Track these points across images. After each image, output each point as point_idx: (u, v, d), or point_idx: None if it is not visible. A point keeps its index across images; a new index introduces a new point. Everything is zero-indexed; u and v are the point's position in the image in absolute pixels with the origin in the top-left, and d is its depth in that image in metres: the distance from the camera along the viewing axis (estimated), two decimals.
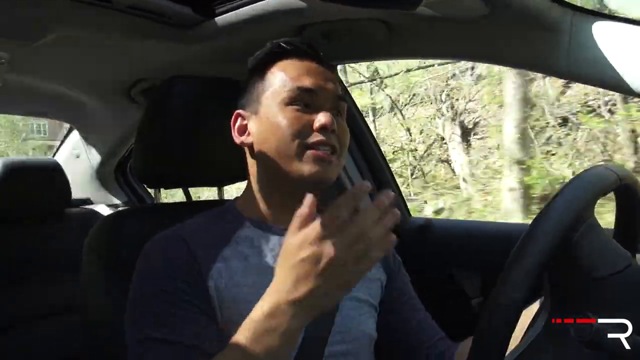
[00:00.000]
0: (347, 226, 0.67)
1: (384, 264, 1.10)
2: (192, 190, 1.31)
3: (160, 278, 0.88)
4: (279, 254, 0.74)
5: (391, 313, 1.08)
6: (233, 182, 1.26)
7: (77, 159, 2.44)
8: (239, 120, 1.03)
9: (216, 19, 1.36)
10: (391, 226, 0.69)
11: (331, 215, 0.68)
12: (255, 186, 1.03)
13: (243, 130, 1.02)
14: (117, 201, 2.53)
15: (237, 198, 1.07)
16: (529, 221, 0.78)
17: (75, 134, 2.41)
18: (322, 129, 0.94)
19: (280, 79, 0.99)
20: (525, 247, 0.71)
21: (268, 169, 0.98)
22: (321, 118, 0.94)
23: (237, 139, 1.03)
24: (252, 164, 1.03)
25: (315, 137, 0.94)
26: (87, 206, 2.33)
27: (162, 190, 1.29)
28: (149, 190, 2.58)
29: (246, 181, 1.07)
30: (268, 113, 0.97)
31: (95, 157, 2.38)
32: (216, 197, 1.32)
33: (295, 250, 0.70)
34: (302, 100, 0.96)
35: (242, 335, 0.74)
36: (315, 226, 0.69)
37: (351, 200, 0.68)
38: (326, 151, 0.94)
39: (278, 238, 0.98)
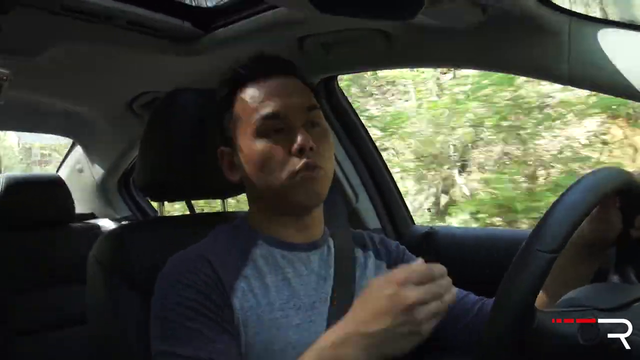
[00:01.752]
0: (431, 283, 0.73)
1: (387, 262, 1.08)
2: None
3: (185, 295, 0.87)
4: (363, 291, 0.79)
5: None
6: (237, 195, 1.26)
7: (80, 173, 2.45)
8: (225, 157, 1.02)
9: (216, 32, 1.37)
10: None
11: (423, 270, 0.74)
12: (258, 210, 1.02)
13: (231, 165, 1.02)
14: (121, 215, 2.53)
15: (247, 214, 1.06)
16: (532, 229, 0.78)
17: (77, 149, 2.41)
18: (300, 150, 0.92)
19: (244, 110, 0.97)
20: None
21: (264, 197, 0.98)
22: (297, 141, 0.92)
23: (229, 176, 1.03)
24: (250, 193, 1.03)
25: (298, 164, 0.92)
26: (90, 220, 2.33)
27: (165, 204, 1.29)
28: (153, 204, 2.59)
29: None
30: (246, 148, 0.97)
31: (98, 171, 2.38)
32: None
33: (380, 286, 0.75)
34: (272, 128, 0.94)
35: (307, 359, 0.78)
36: (406, 271, 0.74)
37: (443, 271, 0.75)
38: (310, 173, 0.93)
39: (290, 253, 0.98)
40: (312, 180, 0.93)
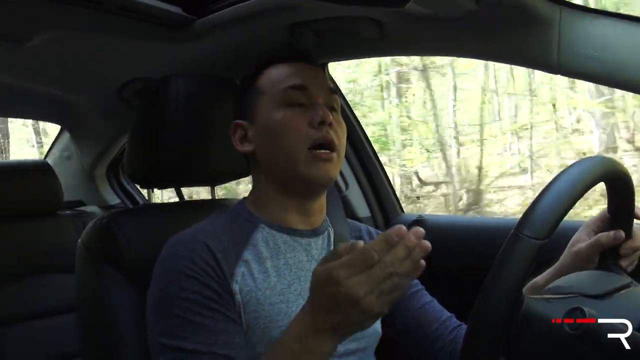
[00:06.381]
0: (375, 267, 0.68)
1: None
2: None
3: (186, 286, 0.87)
4: (311, 279, 0.75)
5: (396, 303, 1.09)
6: (226, 182, 1.26)
7: (68, 160, 2.43)
8: (239, 130, 1.04)
9: (207, 18, 1.36)
10: (420, 258, 0.69)
11: (360, 256, 0.68)
12: (263, 190, 1.03)
13: (243, 138, 1.03)
14: (109, 203, 2.52)
15: (245, 199, 1.07)
16: (519, 216, 0.79)
17: (66, 136, 2.40)
18: (320, 124, 0.95)
19: (270, 83, 1.00)
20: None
21: (273, 173, 1.00)
22: (318, 112, 0.95)
23: (239, 147, 1.03)
24: (256, 170, 1.04)
25: (315, 135, 0.95)
26: (79, 208, 2.31)
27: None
28: (142, 191, 2.58)
29: (242, 180, 1.08)
30: (265, 118, 0.99)
31: (86, 158, 2.37)
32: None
33: (321, 284, 0.72)
34: (296, 99, 0.97)
35: (277, 353, 0.79)
36: (342, 264, 0.69)
37: (383, 244, 0.69)
38: (327, 151, 0.95)
39: (291, 238, 0.99)
40: (327, 161, 0.96)
